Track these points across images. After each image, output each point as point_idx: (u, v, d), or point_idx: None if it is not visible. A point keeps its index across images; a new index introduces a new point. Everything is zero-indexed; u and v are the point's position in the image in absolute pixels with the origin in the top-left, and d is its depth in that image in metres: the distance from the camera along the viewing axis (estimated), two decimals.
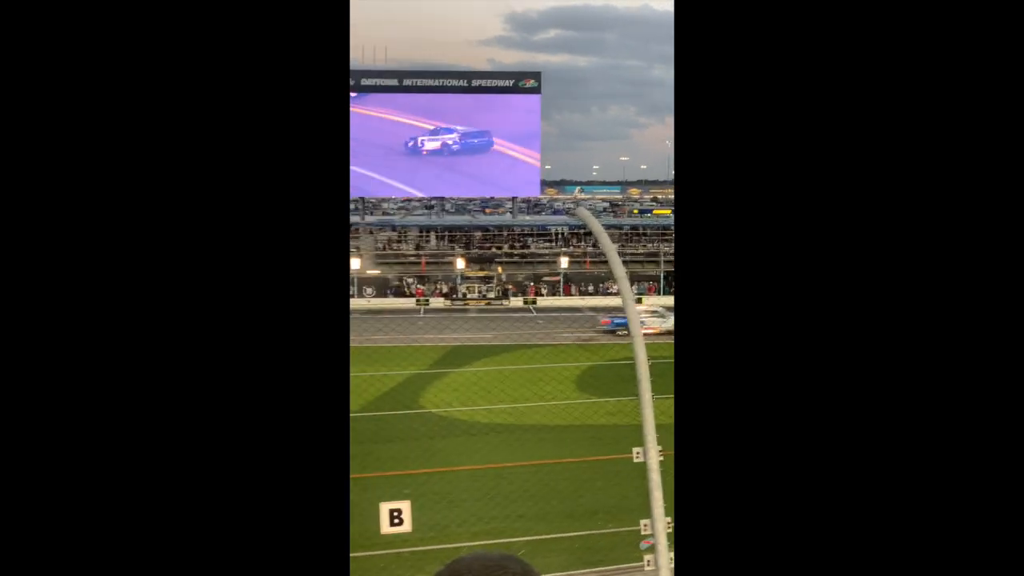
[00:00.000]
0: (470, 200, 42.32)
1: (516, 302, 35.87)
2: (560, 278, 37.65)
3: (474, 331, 29.08)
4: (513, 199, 41.54)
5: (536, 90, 39.03)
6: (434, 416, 17.49)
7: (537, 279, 38.05)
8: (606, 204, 49.40)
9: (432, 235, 41.28)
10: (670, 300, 28.55)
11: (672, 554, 4.91)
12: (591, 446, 14.68)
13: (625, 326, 5.10)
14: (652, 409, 4.75)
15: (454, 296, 36.48)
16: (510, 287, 37.32)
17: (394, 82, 38.75)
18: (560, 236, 41.45)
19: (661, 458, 4.74)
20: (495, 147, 38.51)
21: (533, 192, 41.08)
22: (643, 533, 5.20)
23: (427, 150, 38.44)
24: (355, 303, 34.89)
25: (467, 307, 35.55)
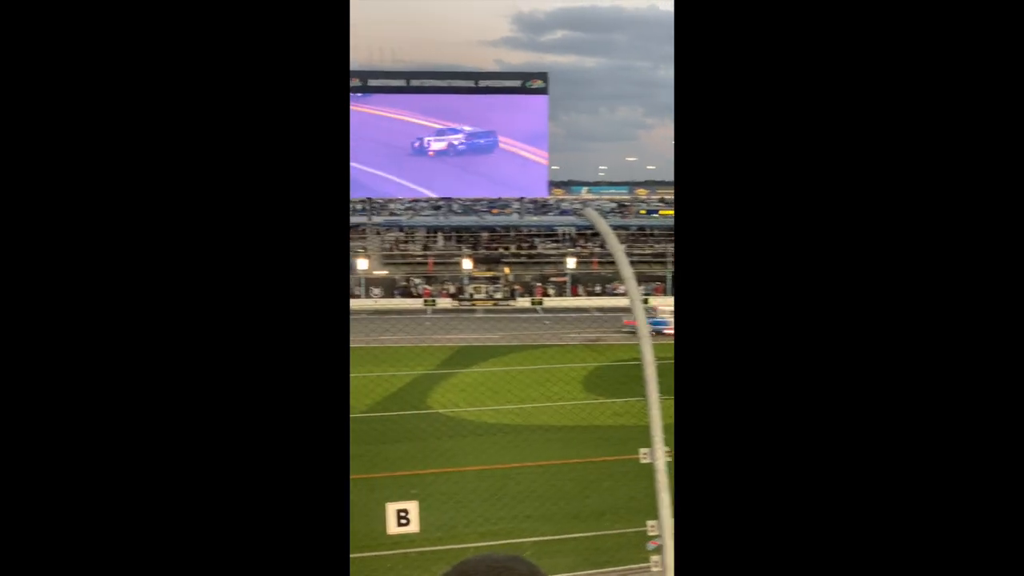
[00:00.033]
0: (477, 201, 42.33)
1: (523, 302, 35.88)
2: (567, 279, 37.63)
3: (481, 331, 29.09)
4: (520, 199, 41.55)
5: (543, 91, 39.07)
6: (441, 416, 17.50)
7: (544, 279, 38.05)
8: (613, 205, 49.35)
9: (439, 235, 41.31)
10: None
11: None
12: (598, 447, 14.66)
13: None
14: (659, 410, 4.73)
15: (461, 296, 36.49)
16: (517, 287, 37.32)
17: (402, 82, 38.84)
18: (567, 237, 41.45)
19: (668, 459, 4.73)
20: (506, 147, 38.55)
21: (541, 192, 41.08)
22: (650, 534, 5.19)
23: (433, 151, 38.49)
24: (362, 303, 34.95)
25: (474, 307, 35.57)
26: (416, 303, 35.55)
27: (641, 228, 42.30)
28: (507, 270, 37.97)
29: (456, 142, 38.66)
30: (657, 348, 4.64)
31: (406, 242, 41.23)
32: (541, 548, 10.81)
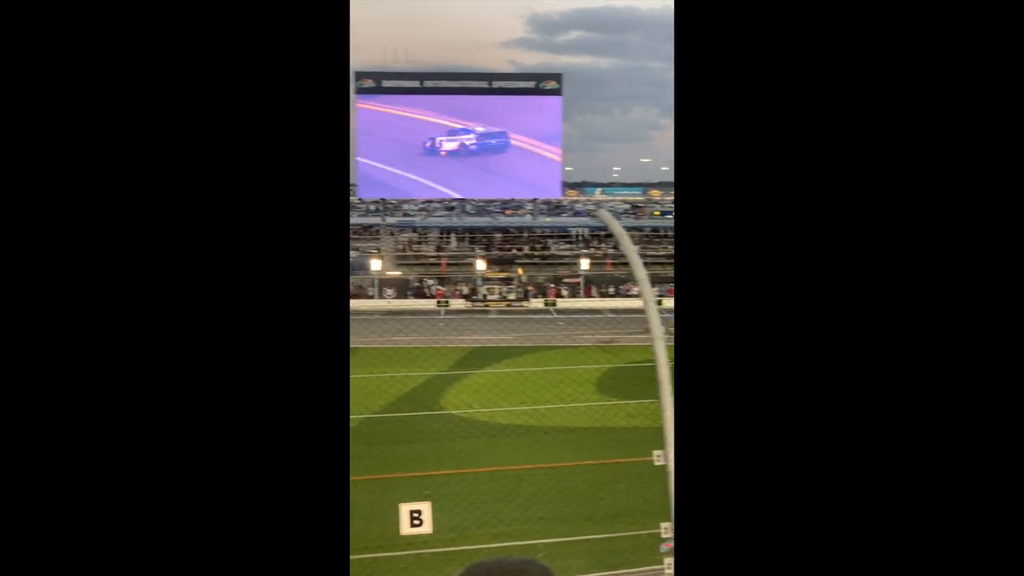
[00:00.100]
0: (491, 202, 42.35)
1: (536, 304, 35.86)
2: (580, 280, 37.59)
3: (494, 332, 29.10)
4: (534, 200, 41.55)
5: (557, 92, 39.03)
6: (454, 417, 17.51)
7: (557, 281, 38.01)
8: (627, 206, 49.28)
9: (452, 236, 41.35)
10: None
11: None
12: (611, 448, 14.64)
13: None
14: (673, 412, 4.72)
15: (474, 297, 36.51)
16: (530, 289, 37.30)
17: (415, 83, 38.89)
18: (580, 238, 41.41)
19: None
20: (525, 147, 38.55)
21: (555, 194, 41.07)
22: (663, 536, 5.18)
23: (445, 151, 38.55)
24: (375, 304, 35.03)
25: (487, 308, 35.58)
26: (429, 304, 35.59)
27: (655, 229, 42.22)
28: (520, 271, 37.96)
29: (468, 142, 38.68)
30: (671, 350, 4.63)
31: (419, 243, 41.30)
32: (554, 550, 10.79)
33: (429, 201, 43.05)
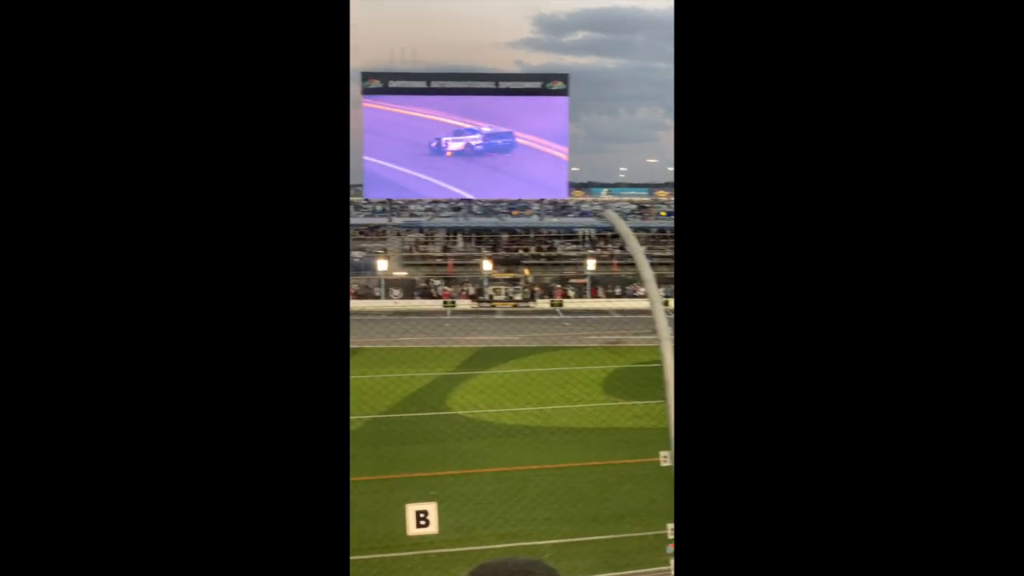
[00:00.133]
0: (497, 202, 42.36)
1: (543, 304, 35.86)
2: (587, 280, 37.57)
3: (500, 333, 29.10)
4: (540, 201, 41.55)
5: (564, 92, 39.03)
6: (461, 418, 17.52)
7: (564, 281, 38.01)
8: (633, 206, 49.24)
9: (459, 237, 41.38)
10: None
11: None
12: (618, 449, 14.63)
13: None
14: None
15: (481, 298, 36.52)
16: (537, 289, 37.30)
17: (422, 84, 38.92)
18: (587, 238, 41.39)
19: None
20: (535, 146, 38.56)
21: (561, 193, 41.07)
22: (670, 537, 5.16)
23: (451, 151, 38.58)
24: (382, 304, 35.07)
25: (494, 309, 35.59)
26: (436, 304, 35.60)
27: (661, 230, 42.17)
28: (527, 272, 37.96)
29: (474, 142, 38.70)
30: None
31: (426, 243, 41.33)
32: (560, 550, 10.79)
33: (436, 202, 43.07)
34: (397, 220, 41.66)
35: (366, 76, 38.87)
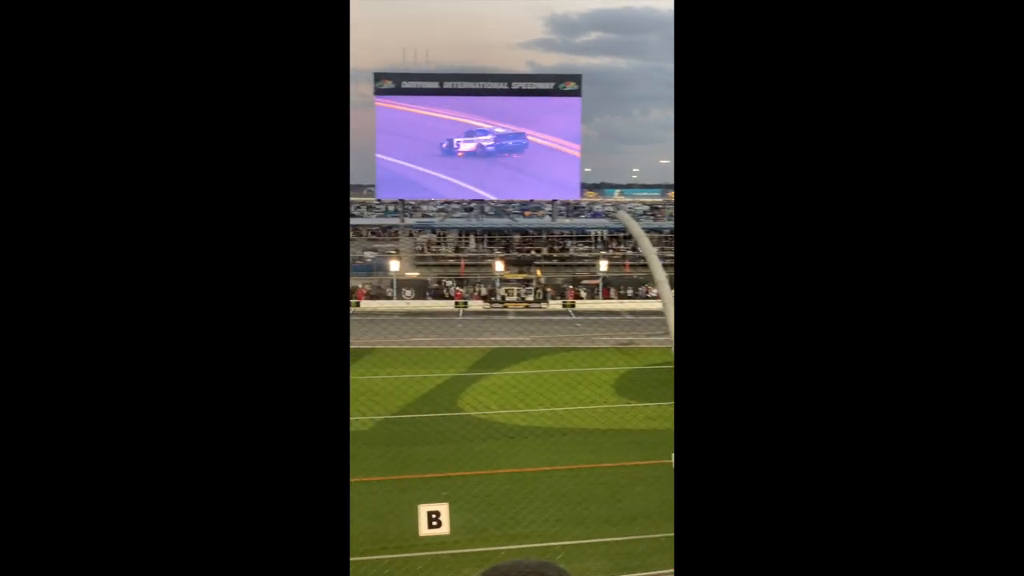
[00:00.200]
0: (509, 203, 42.40)
1: (555, 305, 35.86)
2: (599, 281, 37.55)
3: (512, 334, 29.11)
4: (552, 202, 41.55)
5: (577, 93, 39.03)
6: (473, 419, 17.53)
7: (576, 282, 37.99)
8: (646, 207, 49.20)
9: (471, 237, 41.42)
10: None
11: None
12: (630, 451, 14.63)
13: None
14: None
15: (493, 299, 36.54)
16: (549, 290, 37.30)
17: (435, 84, 38.97)
18: (599, 239, 41.36)
19: None
20: (550, 145, 38.59)
21: (574, 195, 41.07)
22: None
23: (462, 151, 38.64)
24: (394, 305, 35.14)
25: (506, 310, 35.61)
26: (448, 305, 35.65)
27: (673, 231, 42.09)
28: (539, 272, 37.97)
29: (485, 143, 38.73)
30: None
31: (438, 244, 41.39)
32: (572, 552, 10.78)
33: (448, 202, 43.14)
34: (409, 220, 41.75)
35: (378, 77, 38.97)
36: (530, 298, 36.65)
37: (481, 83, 39.21)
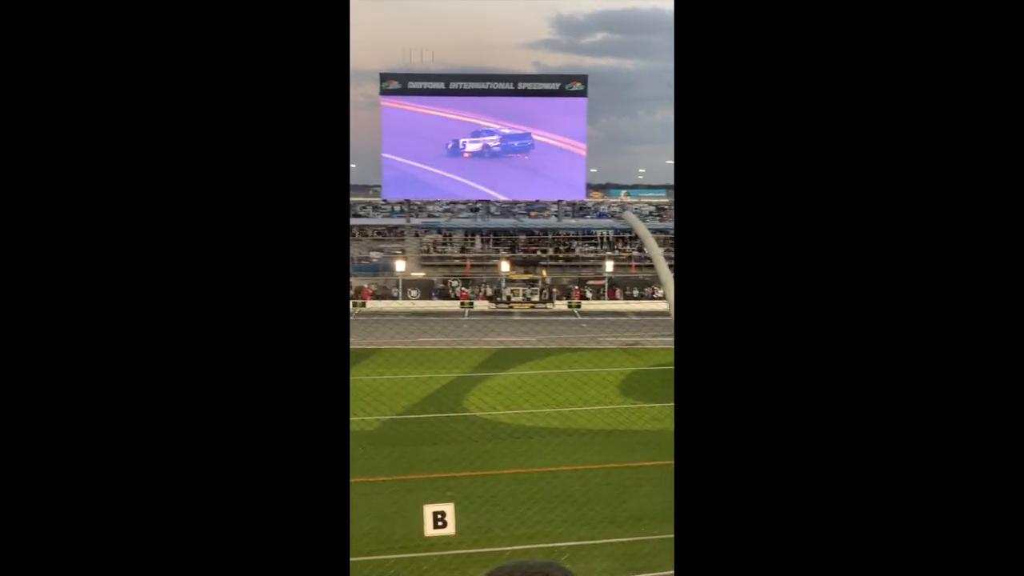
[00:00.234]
0: (515, 203, 42.39)
1: (560, 306, 35.85)
2: (605, 282, 37.53)
3: (518, 334, 29.11)
4: (558, 202, 41.54)
5: (583, 93, 39.02)
6: (478, 419, 17.54)
7: (582, 283, 37.98)
8: (652, 208, 49.17)
9: (477, 238, 41.43)
10: None
11: None
12: (635, 451, 14.62)
13: None
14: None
15: (498, 299, 36.55)
16: (554, 291, 37.29)
17: (440, 85, 39.00)
18: (605, 240, 41.35)
19: None
20: (558, 144, 38.62)
21: (579, 195, 41.06)
22: None
23: (468, 152, 38.67)
24: (400, 305, 35.16)
25: (511, 310, 35.61)
26: (453, 305, 35.68)
27: (673, 231, 42.02)
28: (544, 273, 37.97)
29: (491, 143, 38.76)
30: None
31: (444, 244, 41.41)
32: (577, 552, 10.78)
33: (454, 202, 43.16)
34: (415, 221, 41.77)
35: (384, 77, 39.02)
36: (536, 299, 36.65)
37: (487, 83, 39.22)
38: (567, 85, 39.09)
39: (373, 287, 36.42)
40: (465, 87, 38.88)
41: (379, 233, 42.98)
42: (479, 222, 41.94)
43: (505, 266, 37.06)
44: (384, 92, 38.67)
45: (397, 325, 28.15)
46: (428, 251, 40.29)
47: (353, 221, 43.41)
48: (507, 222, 42.01)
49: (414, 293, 36.73)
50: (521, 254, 39.65)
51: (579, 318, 33.52)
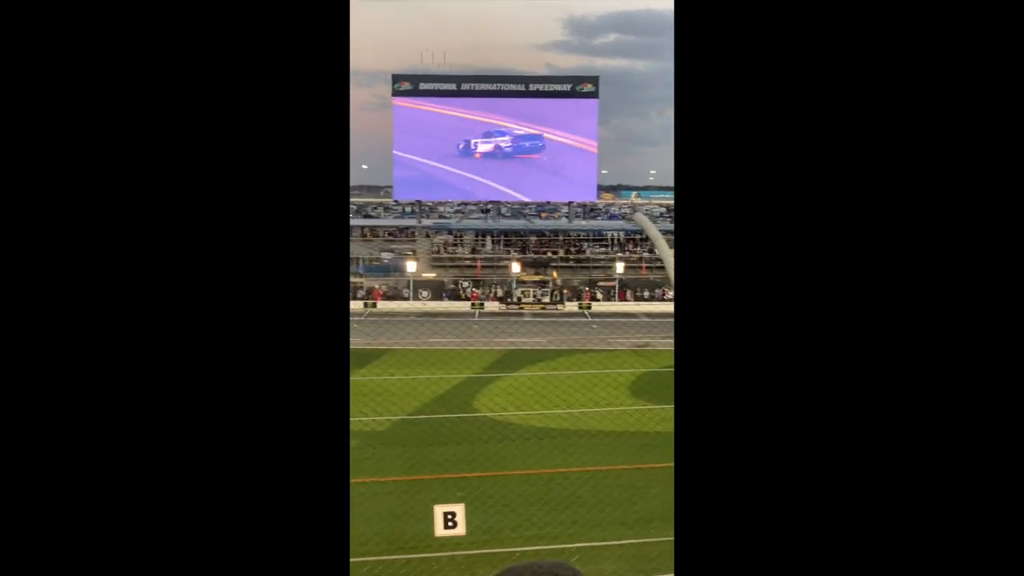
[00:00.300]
0: (525, 204, 42.38)
1: (571, 307, 35.80)
2: (615, 283, 37.47)
3: (528, 335, 29.09)
4: (569, 203, 41.50)
5: (594, 94, 38.97)
6: (488, 420, 17.53)
7: (592, 284, 37.93)
8: (663, 209, 49.04)
9: (488, 239, 41.43)
10: None
11: None
12: (646, 453, 14.58)
13: None
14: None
15: (509, 300, 36.54)
16: (565, 292, 37.25)
17: (452, 86, 39.02)
18: (616, 241, 41.28)
19: None
20: (570, 143, 38.61)
21: (590, 196, 41.02)
22: None
23: (480, 152, 38.69)
24: (411, 306, 35.19)
25: (522, 311, 35.58)
26: (464, 306, 35.64)
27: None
28: (555, 274, 37.94)
29: (503, 144, 38.76)
30: None
31: (455, 245, 41.42)
32: (587, 554, 10.76)
33: (465, 203, 43.18)
34: (426, 222, 41.79)
35: (396, 79, 39.06)
36: (546, 299, 36.62)
37: (498, 84, 39.21)
38: (579, 86, 39.04)
39: (384, 288, 36.47)
40: (476, 88, 38.89)
41: (390, 234, 42.99)
42: (490, 223, 41.92)
43: (516, 267, 37.04)
44: (396, 93, 38.71)
45: (408, 325, 28.18)
46: (439, 252, 40.31)
47: (364, 222, 43.50)
48: (518, 223, 41.98)
49: (425, 294, 36.75)
50: (532, 255, 39.63)
51: (589, 319, 33.46)
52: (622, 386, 20.49)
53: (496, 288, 37.37)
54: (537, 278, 37.48)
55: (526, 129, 38.72)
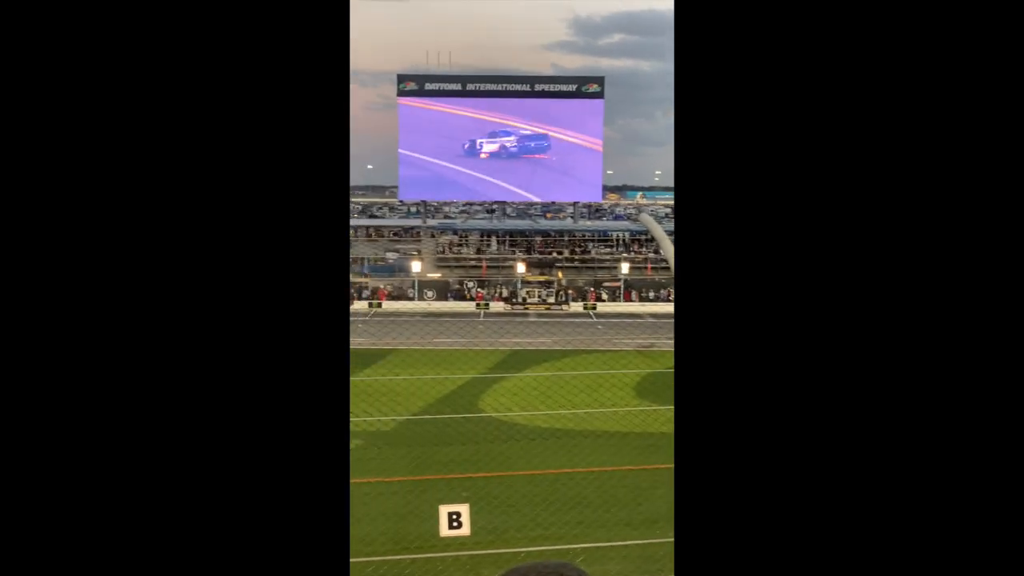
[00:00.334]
0: (531, 204, 42.40)
1: (576, 307, 35.80)
2: (620, 284, 37.47)
3: (533, 336, 29.11)
4: (574, 204, 41.51)
5: (599, 95, 38.98)
6: (493, 420, 17.54)
7: (597, 284, 37.93)
8: (668, 210, 49.02)
9: (493, 239, 41.45)
10: None
11: None
12: (651, 453, 14.57)
13: None
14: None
15: (514, 300, 36.56)
16: (570, 292, 37.26)
17: (457, 86, 39.06)
18: (621, 241, 41.28)
19: None
20: (576, 142, 38.64)
21: (596, 197, 41.02)
22: None
23: (486, 152, 38.73)
24: (416, 306, 35.24)
25: (527, 312, 35.61)
26: (469, 306, 35.69)
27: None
28: (560, 275, 37.95)
29: (508, 144, 38.80)
30: None
31: (460, 245, 41.45)
32: (593, 554, 10.76)
33: (470, 203, 43.22)
34: (431, 222, 41.86)
35: (402, 79, 39.12)
36: (551, 300, 36.63)
37: (504, 84, 39.25)
38: (584, 86, 39.07)
39: (389, 288, 36.52)
40: (482, 88, 38.93)
41: (395, 234, 43.07)
42: (495, 223, 41.95)
43: (521, 267, 37.07)
44: (401, 93, 38.78)
45: (413, 326, 28.22)
46: (444, 252, 40.34)
47: (369, 222, 43.57)
48: (523, 223, 42.02)
49: (430, 294, 36.79)
50: (537, 255, 39.65)
51: (594, 320, 33.46)
52: (627, 387, 20.48)
53: (501, 288, 37.39)
54: (542, 278, 37.50)
55: (532, 129, 38.76)
